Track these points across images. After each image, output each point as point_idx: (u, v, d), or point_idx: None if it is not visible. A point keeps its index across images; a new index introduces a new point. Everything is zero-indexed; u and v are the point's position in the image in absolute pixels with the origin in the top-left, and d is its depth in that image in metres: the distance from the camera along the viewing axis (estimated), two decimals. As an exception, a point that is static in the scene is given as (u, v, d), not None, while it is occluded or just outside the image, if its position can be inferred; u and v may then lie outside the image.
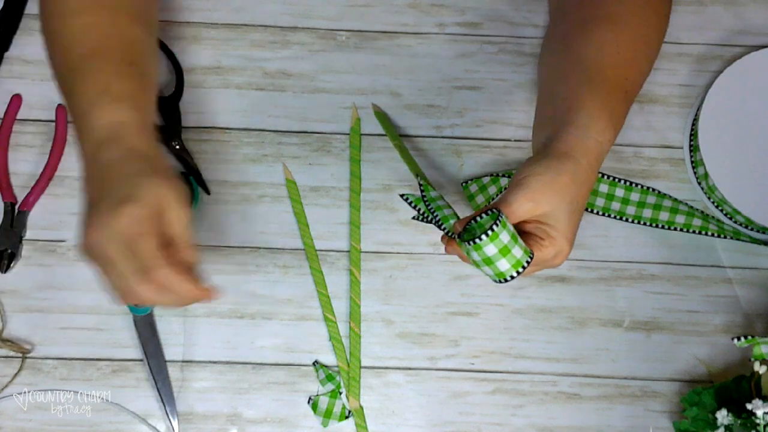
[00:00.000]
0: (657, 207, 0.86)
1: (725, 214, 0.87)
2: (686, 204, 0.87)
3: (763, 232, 0.86)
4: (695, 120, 0.87)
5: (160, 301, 0.64)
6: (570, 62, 0.75)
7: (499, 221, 0.64)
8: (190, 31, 0.90)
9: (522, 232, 0.68)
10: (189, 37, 0.90)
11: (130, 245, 0.62)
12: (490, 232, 0.64)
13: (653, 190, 0.87)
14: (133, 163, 0.65)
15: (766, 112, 0.86)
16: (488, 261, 0.65)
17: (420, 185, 0.75)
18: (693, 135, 0.88)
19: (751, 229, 0.86)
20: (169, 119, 0.86)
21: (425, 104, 0.89)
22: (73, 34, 0.71)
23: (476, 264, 0.66)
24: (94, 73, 0.69)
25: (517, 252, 0.65)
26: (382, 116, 0.88)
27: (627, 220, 0.86)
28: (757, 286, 0.87)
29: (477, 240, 0.64)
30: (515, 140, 0.89)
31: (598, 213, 0.86)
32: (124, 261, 0.62)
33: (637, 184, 0.87)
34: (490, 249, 0.64)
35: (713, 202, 0.87)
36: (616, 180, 0.86)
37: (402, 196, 0.75)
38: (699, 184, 0.88)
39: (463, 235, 0.67)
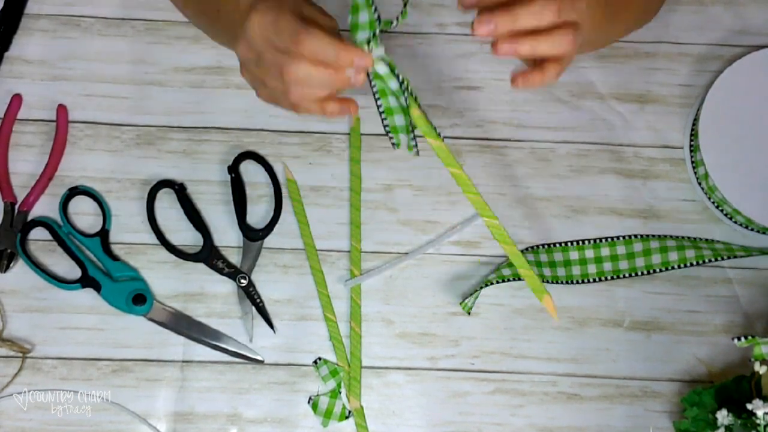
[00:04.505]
0: (647, 252, 0.86)
1: (725, 214, 0.87)
2: (672, 237, 0.87)
3: (764, 233, 0.86)
4: (695, 120, 0.87)
5: (317, 76, 0.64)
6: None
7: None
8: (190, 31, 0.89)
9: None
10: (189, 37, 0.89)
11: (275, 31, 0.63)
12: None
13: (636, 236, 0.86)
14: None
15: (766, 112, 0.86)
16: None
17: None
18: (693, 135, 0.88)
19: (751, 229, 0.86)
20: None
21: (425, 104, 0.89)
22: None
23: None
24: None
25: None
26: None
27: (625, 276, 0.86)
28: (757, 286, 0.87)
29: None
30: (515, 140, 0.89)
31: (594, 281, 0.86)
32: (271, 51, 0.64)
33: (618, 237, 0.86)
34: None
35: (713, 202, 0.87)
36: (599, 241, 0.86)
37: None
38: (699, 184, 0.88)
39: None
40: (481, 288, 0.83)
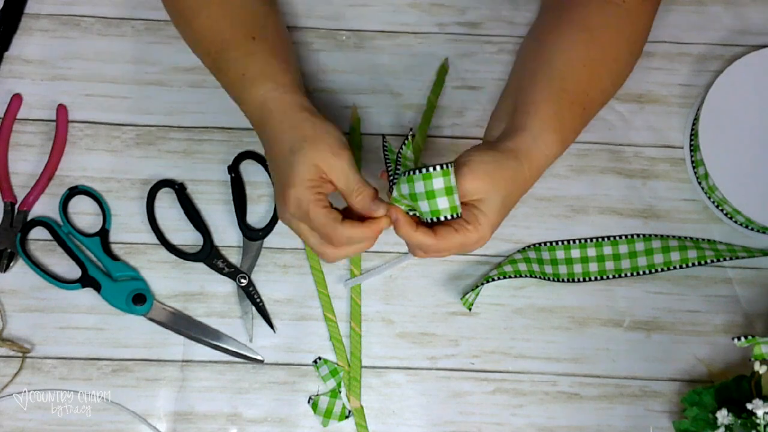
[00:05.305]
0: (649, 252, 0.86)
1: (725, 214, 0.87)
2: (675, 237, 0.87)
3: (764, 232, 0.86)
4: (695, 120, 0.87)
5: (350, 253, 0.73)
6: (539, 62, 0.77)
7: (451, 166, 0.66)
8: (190, 31, 0.89)
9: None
10: (189, 37, 0.89)
11: (307, 220, 0.70)
12: (444, 167, 0.65)
13: (638, 235, 0.86)
14: (287, 135, 0.72)
15: (766, 112, 0.86)
16: (431, 194, 0.66)
17: (407, 138, 0.74)
18: (693, 135, 0.88)
19: (752, 229, 0.86)
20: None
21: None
22: (196, 33, 0.79)
23: (413, 198, 0.67)
24: (232, 62, 0.76)
25: (457, 199, 0.67)
26: (443, 69, 0.90)
27: (626, 276, 0.86)
28: (757, 286, 0.87)
29: (429, 169, 0.65)
30: (515, 140, 0.89)
31: (596, 279, 0.86)
32: (308, 233, 0.72)
33: (621, 236, 0.87)
34: (438, 182, 0.66)
35: (713, 202, 0.87)
36: (601, 240, 0.86)
37: (384, 141, 0.75)
38: (699, 184, 0.88)
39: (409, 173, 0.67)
40: (483, 284, 0.83)
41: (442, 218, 0.67)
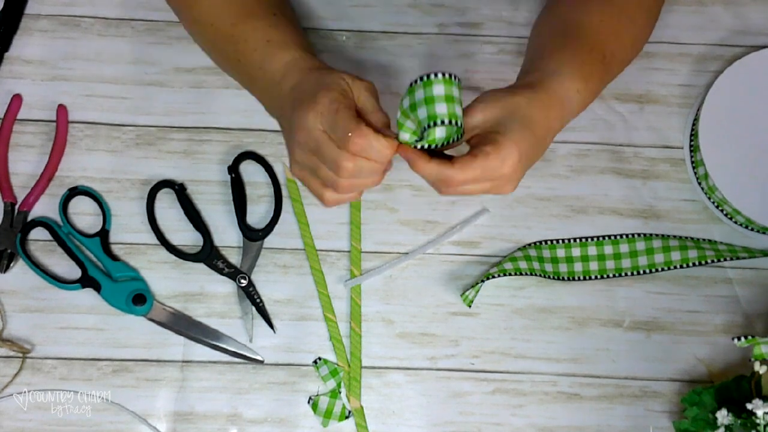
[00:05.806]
0: (649, 251, 0.86)
1: (725, 214, 0.87)
2: (675, 237, 0.87)
3: (764, 233, 0.86)
4: (695, 120, 0.87)
5: (355, 188, 0.70)
6: (553, 22, 0.79)
7: (455, 78, 0.65)
8: (190, 31, 0.90)
9: (470, 146, 0.69)
10: (189, 38, 0.89)
11: (332, 123, 0.67)
12: (447, 75, 0.64)
13: (639, 234, 0.87)
14: (311, 76, 0.71)
15: (766, 112, 0.86)
16: (430, 100, 0.65)
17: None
18: (693, 135, 0.88)
19: (752, 229, 0.86)
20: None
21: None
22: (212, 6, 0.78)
23: (413, 108, 0.66)
24: (254, 31, 0.76)
25: (458, 110, 0.66)
26: None
27: (626, 275, 0.86)
28: (757, 286, 0.87)
29: (430, 76, 0.64)
30: (515, 140, 0.89)
31: (596, 278, 0.86)
32: (328, 142, 0.67)
33: (621, 236, 0.87)
34: (439, 89, 0.64)
35: (713, 202, 0.87)
36: (601, 239, 0.86)
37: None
38: (699, 184, 0.88)
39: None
40: (483, 281, 0.83)
41: (444, 139, 0.65)
